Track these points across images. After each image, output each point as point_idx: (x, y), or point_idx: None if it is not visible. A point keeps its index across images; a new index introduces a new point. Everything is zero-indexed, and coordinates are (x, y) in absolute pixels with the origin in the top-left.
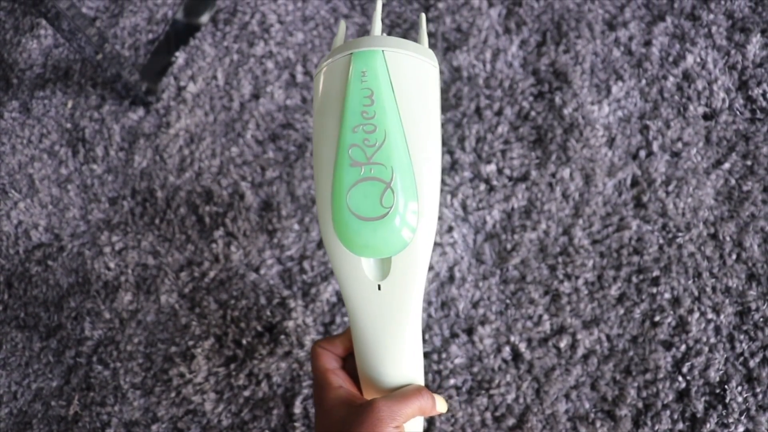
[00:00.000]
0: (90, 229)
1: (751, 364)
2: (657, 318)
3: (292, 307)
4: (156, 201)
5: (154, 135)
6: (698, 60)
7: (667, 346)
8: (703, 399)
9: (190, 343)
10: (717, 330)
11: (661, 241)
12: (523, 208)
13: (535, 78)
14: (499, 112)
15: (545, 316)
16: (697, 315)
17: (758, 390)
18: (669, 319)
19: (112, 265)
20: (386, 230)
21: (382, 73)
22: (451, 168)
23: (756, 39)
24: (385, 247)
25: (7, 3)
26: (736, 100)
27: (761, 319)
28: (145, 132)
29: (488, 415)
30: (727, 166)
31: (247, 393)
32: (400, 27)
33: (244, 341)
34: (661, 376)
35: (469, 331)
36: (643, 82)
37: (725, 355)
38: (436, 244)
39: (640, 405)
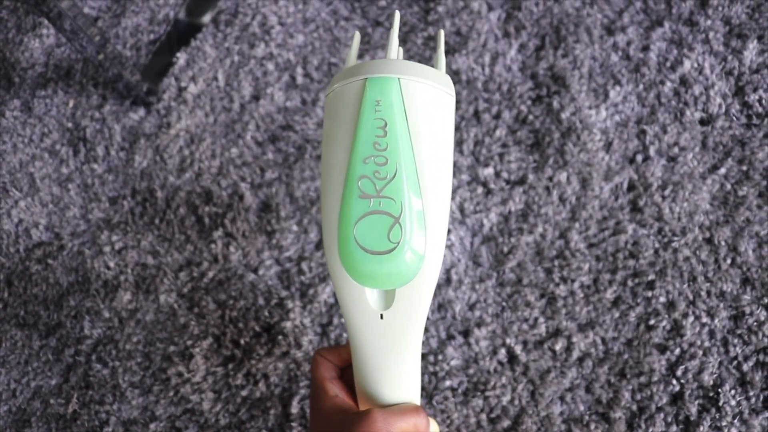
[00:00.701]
0: (90, 229)
1: (745, 367)
2: (652, 321)
3: (290, 307)
4: (156, 201)
5: (155, 135)
6: (695, 65)
7: (662, 349)
8: (696, 402)
9: (189, 342)
10: (711, 334)
11: (656, 245)
12: (520, 212)
13: (534, 82)
14: (497, 116)
15: (541, 319)
16: (691, 319)
17: (751, 393)
18: (664, 323)
19: (111, 264)
20: (392, 264)
21: (397, 104)
22: None
23: (752, 45)
24: (390, 280)
25: (10, 2)
26: (732, 106)
27: (755, 324)
28: (145, 132)
29: (483, 416)
30: (722, 171)
31: (244, 393)
32: (400, 30)
33: (242, 341)
34: (655, 379)
35: (466, 333)
36: (641, 86)
37: (719, 359)
38: None
39: (635, 408)
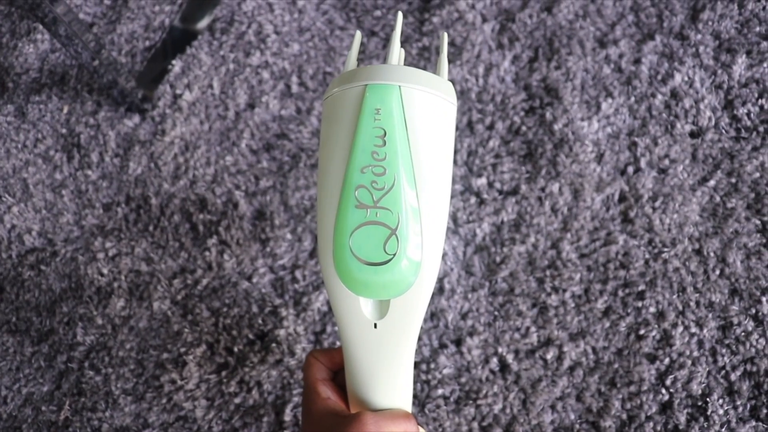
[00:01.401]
0: (84, 235)
1: (733, 377)
2: (642, 331)
3: (283, 315)
4: (150, 208)
5: (149, 142)
6: (686, 79)
7: (651, 359)
8: (685, 411)
9: (182, 349)
10: (700, 344)
11: (647, 255)
12: (513, 222)
13: (527, 93)
14: (490, 127)
15: (533, 328)
16: (680, 329)
17: (738, 403)
18: (653, 333)
19: (105, 270)
20: (387, 276)
21: (397, 113)
22: None
23: (741, 60)
24: (385, 290)
25: (4, 7)
26: (721, 119)
27: (743, 334)
28: (140, 139)
29: (475, 425)
30: (712, 183)
31: (238, 400)
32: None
33: (235, 349)
34: (645, 388)
35: (458, 342)
36: (632, 99)
37: (707, 369)
38: None
39: (624, 417)
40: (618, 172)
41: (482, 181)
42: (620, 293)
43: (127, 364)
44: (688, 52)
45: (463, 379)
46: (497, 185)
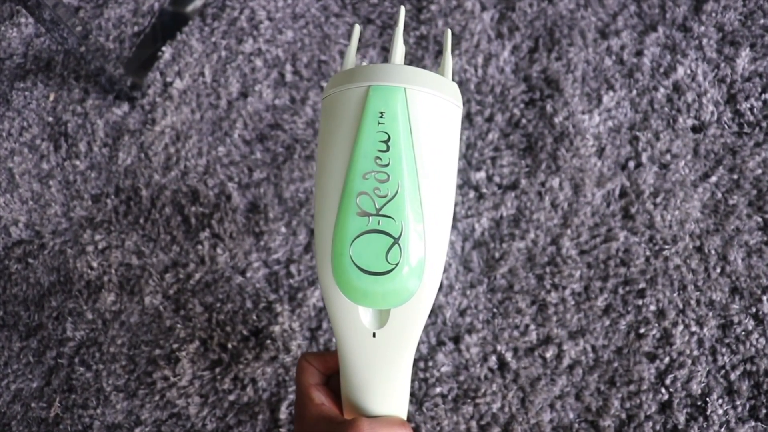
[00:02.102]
0: (72, 227)
1: (732, 377)
2: (642, 330)
3: (278, 311)
4: (140, 200)
5: (139, 132)
6: (689, 72)
7: (651, 357)
8: (684, 411)
9: (175, 345)
10: (700, 343)
11: (647, 253)
12: (512, 217)
13: (527, 85)
14: (489, 119)
15: (532, 326)
16: (681, 327)
17: (738, 403)
18: (653, 331)
19: (94, 264)
20: (388, 285)
21: (402, 117)
22: None
23: (745, 53)
24: (385, 300)
25: None
26: (724, 114)
27: (743, 333)
28: (129, 128)
29: (473, 423)
30: (714, 179)
31: (232, 397)
32: (393, 28)
33: (229, 345)
34: (644, 387)
35: (456, 340)
36: (634, 92)
37: (707, 368)
38: None
39: (624, 416)
40: (619, 167)
41: (481, 175)
42: (620, 291)
43: (118, 360)
44: (691, 45)
45: (461, 377)
46: (496, 179)
